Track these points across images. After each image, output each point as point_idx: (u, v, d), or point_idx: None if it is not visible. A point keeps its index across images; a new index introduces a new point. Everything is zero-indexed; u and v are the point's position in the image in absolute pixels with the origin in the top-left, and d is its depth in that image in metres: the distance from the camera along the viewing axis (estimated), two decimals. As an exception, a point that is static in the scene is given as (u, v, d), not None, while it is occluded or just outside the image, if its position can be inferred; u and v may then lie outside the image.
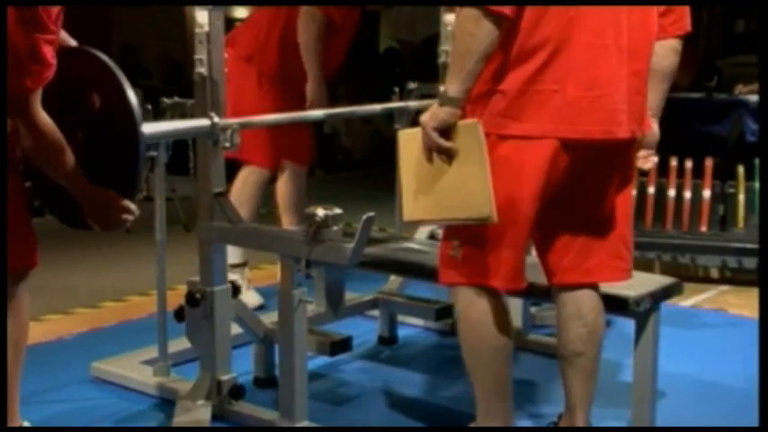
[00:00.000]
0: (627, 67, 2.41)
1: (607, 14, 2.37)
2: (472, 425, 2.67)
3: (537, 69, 2.33)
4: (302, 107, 3.98)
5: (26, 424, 2.66)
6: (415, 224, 2.56)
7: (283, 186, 4.38)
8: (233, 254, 4.29)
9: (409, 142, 2.48)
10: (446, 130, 2.33)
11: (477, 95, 2.37)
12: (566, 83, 2.33)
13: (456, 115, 2.32)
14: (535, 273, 2.93)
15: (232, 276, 4.18)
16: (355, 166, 9.05)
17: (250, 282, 4.33)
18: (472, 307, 2.51)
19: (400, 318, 3.83)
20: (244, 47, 4.13)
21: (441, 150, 2.35)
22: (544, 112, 2.34)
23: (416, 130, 2.45)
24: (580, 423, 2.65)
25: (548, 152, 2.36)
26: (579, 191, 2.49)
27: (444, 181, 2.37)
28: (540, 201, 2.42)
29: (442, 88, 2.35)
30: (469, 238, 2.46)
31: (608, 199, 2.56)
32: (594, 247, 2.57)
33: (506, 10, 2.26)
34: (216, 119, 2.86)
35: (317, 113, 3.77)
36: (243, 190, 4.18)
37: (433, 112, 2.34)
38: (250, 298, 4.07)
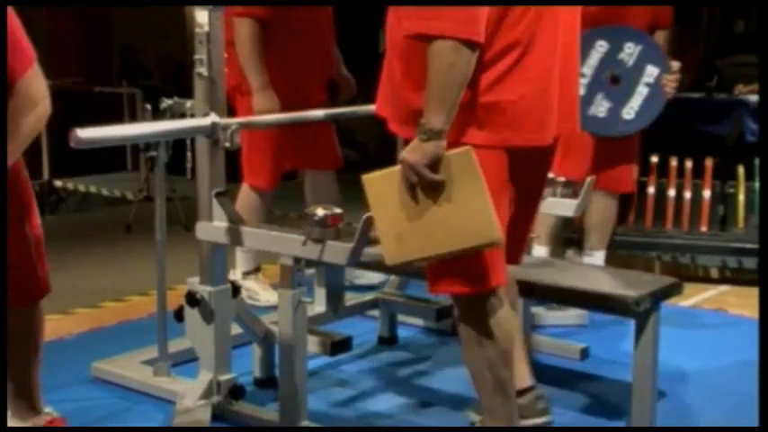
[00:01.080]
0: (559, 69, 2.44)
1: (553, 18, 2.40)
2: (478, 425, 2.67)
3: (495, 80, 2.33)
4: (307, 105, 3.84)
5: (48, 409, 2.72)
6: (404, 265, 2.50)
7: (311, 190, 4.31)
8: (245, 262, 4.30)
9: (378, 185, 2.38)
10: (435, 164, 2.27)
11: None
12: (523, 92, 2.35)
13: (443, 147, 2.27)
14: (535, 272, 2.94)
15: (248, 284, 4.21)
16: (370, 162, 9.05)
17: (265, 282, 4.33)
18: (475, 312, 2.48)
19: (400, 318, 3.82)
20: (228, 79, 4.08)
21: (431, 184, 2.28)
22: (503, 121, 2.35)
23: (384, 173, 2.37)
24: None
25: (505, 158, 2.39)
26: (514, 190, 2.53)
27: (437, 214, 2.29)
28: (510, 200, 2.47)
29: (423, 121, 2.25)
30: None
31: (530, 195, 2.64)
32: (509, 235, 2.58)
33: (481, 38, 2.23)
34: (216, 118, 2.86)
35: (318, 113, 3.74)
36: (243, 209, 4.10)
37: (422, 149, 2.25)
38: (272, 296, 4.06)
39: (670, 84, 3.79)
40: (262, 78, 3.93)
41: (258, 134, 3.98)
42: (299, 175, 4.40)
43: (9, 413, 2.62)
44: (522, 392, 2.75)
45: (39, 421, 2.66)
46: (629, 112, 3.81)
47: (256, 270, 4.33)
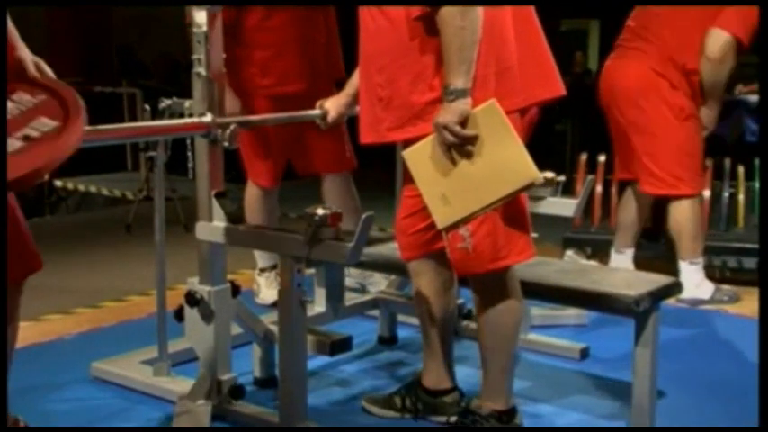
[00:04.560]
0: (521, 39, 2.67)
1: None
2: (476, 402, 2.75)
3: (499, 48, 2.50)
4: (301, 105, 3.72)
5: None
6: (454, 227, 2.57)
7: (325, 195, 4.30)
8: (260, 258, 4.31)
9: (417, 156, 2.53)
10: (464, 122, 2.42)
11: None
12: (515, 57, 2.54)
13: (469, 104, 2.41)
14: (536, 272, 2.94)
15: (258, 280, 4.23)
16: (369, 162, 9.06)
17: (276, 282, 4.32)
18: (499, 291, 2.65)
19: (400, 318, 3.82)
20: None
21: (465, 141, 2.42)
22: (516, 85, 2.53)
23: (420, 144, 2.52)
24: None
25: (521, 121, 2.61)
26: None
27: (477, 169, 2.44)
28: None
29: (446, 84, 2.40)
30: (479, 225, 2.55)
31: None
32: None
33: None
34: (214, 118, 2.85)
35: (315, 113, 3.71)
36: (247, 204, 4.19)
37: (451, 109, 2.40)
38: (270, 296, 4.14)
39: None
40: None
41: (247, 133, 3.98)
42: (300, 175, 4.38)
43: None
44: (446, 392, 2.94)
45: None
46: None
47: (273, 267, 4.30)
